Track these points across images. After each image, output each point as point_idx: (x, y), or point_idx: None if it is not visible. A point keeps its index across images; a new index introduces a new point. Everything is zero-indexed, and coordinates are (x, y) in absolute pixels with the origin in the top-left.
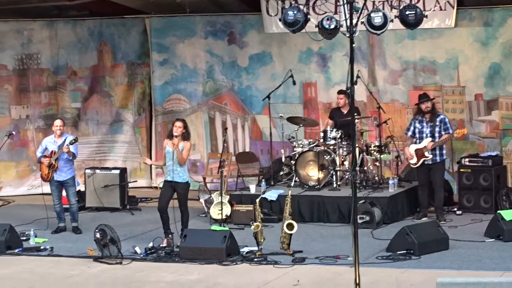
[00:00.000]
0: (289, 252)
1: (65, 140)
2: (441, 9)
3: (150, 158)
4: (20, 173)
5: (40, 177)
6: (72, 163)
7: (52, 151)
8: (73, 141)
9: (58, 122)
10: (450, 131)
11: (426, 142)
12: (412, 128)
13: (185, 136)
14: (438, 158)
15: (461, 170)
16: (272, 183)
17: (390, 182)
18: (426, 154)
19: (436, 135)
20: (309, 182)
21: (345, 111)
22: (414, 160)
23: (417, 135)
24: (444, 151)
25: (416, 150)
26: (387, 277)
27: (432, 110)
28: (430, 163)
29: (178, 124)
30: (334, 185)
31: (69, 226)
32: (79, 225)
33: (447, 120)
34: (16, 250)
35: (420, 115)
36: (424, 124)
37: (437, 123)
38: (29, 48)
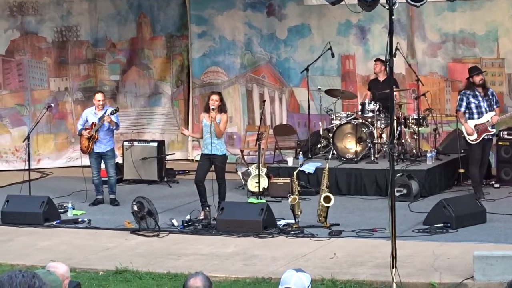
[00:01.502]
0: (326, 225)
1: (105, 111)
2: None
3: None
4: (58, 146)
5: (79, 150)
6: (112, 135)
7: (92, 123)
8: (114, 111)
9: (100, 97)
10: (499, 104)
11: (489, 116)
12: (464, 103)
13: (222, 108)
14: (495, 133)
15: (500, 143)
16: (310, 156)
17: (428, 155)
18: (490, 128)
19: (492, 109)
20: (347, 155)
21: (381, 78)
22: (474, 136)
23: (475, 110)
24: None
25: (476, 126)
26: (424, 250)
27: (483, 84)
28: (489, 138)
29: (214, 97)
30: (372, 158)
31: (107, 199)
32: (116, 197)
33: (495, 93)
34: (54, 222)
35: (471, 90)
36: (480, 98)
37: (490, 97)
38: (68, 20)
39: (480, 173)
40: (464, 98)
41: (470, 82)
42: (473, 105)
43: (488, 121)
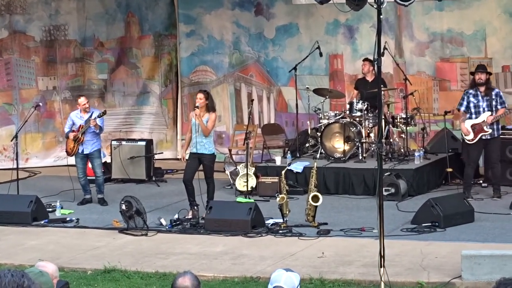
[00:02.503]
0: (314, 224)
1: (91, 114)
2: None
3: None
4: (46, 145)
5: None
6: (99, 136)
7: (80, 126)
8: (101, 114)
9: (83, 100)
10: (505, 105)
11: (485, 116)
12: (465, 103)
13: (209, 107)
14: (496, 133)
15: None
16: (298, 155)
17: (416, 154)
18: (485, 128)
19: (493, 109)
20: (335, 154)
21: (369, 78)
22: (471, 136)
23: (473, 110)
24: (500, 126)
25: (473, 126)
26: (412, 249)
27: (486, 84)
28: (488, 138)
29: (200, 95)
30: (360, 157)
31: (95, 198)
32: (105, 196)
33: (502, 94)
34: (42, 222)
35: (473, 89)
36: (480, 98)
37: (493, 97)
38: (56, 19)
39: (495, 174)
40: (465, 97)
41: (473, 79)
42: (471, 105)
43: (483, 121)
